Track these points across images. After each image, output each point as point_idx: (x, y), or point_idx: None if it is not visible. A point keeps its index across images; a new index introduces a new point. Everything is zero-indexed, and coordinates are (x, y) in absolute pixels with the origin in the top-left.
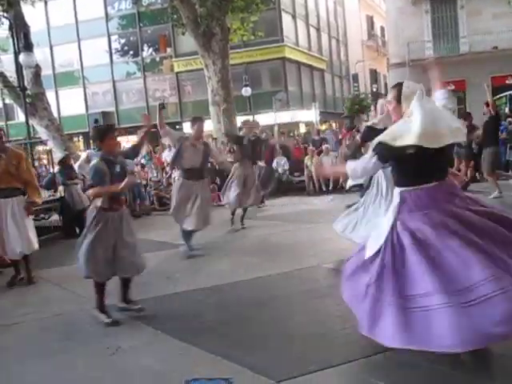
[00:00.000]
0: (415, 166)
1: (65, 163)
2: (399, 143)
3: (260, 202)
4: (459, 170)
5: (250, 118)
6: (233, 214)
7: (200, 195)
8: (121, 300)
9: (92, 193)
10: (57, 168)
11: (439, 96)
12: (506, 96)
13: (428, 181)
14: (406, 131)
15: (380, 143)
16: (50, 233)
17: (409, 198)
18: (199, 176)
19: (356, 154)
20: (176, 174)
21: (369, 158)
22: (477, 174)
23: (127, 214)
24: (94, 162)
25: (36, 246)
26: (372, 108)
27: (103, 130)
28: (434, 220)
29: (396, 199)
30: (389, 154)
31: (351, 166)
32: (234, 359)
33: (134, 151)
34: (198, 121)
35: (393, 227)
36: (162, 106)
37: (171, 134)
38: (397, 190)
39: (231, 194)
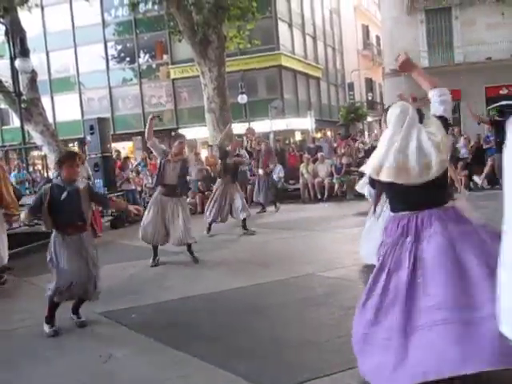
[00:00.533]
0: (392, 194)
1: None
2: (376, 175)
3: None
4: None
5: (246, 125)
6: (210, 224)
7: (176, 213)
8: (72, 310)
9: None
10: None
11: (435, 95)
12: (499, 106)
13: (403, 209)
14: (380, 162)
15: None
16: (44, 239)
17: (387, 223)
18: (175, 193)
19: None
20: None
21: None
22: (471, 183)
23: (87, 239)
24: (44, 186)
25: (5, 260)
26: (377, 126)
27: (62, 157)
28: (389, 249)
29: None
30: (374, 183)
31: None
32: (229, 368)
33: (102, 203)
34: (179, 138)
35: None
36: (160, 119)
37: (156, 147)
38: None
39: (211, 212)
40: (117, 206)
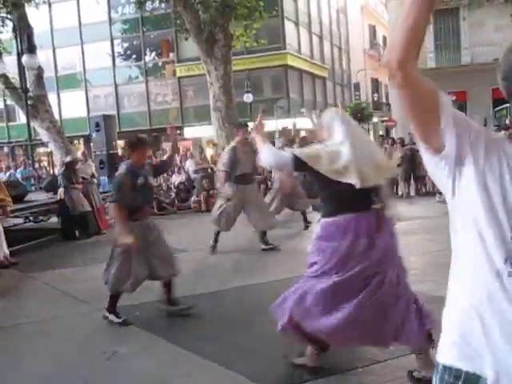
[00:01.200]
0: (336, 197)
1: (70, 166)
2: (339, 178)
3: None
4: None
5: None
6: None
7: (255, 198)
8: (165, 302)
9: (112, 214)
10: (61, 169)
11: None
12: (506, 108)
13: (344, 211)
14: (337, 161)
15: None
16: (49, 235)
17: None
18: (250, 180)
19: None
20: (175, 178)
21: (287, 157)
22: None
23: (152, 223)
24: (119, 172)
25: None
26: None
27: (135, 142)
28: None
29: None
30: (302, 168)
31: (269, 150)
32: (232, 367)
33: (164, 166)
34: (242, 127)
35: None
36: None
37: (225, 156)
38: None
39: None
40: (174, 154)
